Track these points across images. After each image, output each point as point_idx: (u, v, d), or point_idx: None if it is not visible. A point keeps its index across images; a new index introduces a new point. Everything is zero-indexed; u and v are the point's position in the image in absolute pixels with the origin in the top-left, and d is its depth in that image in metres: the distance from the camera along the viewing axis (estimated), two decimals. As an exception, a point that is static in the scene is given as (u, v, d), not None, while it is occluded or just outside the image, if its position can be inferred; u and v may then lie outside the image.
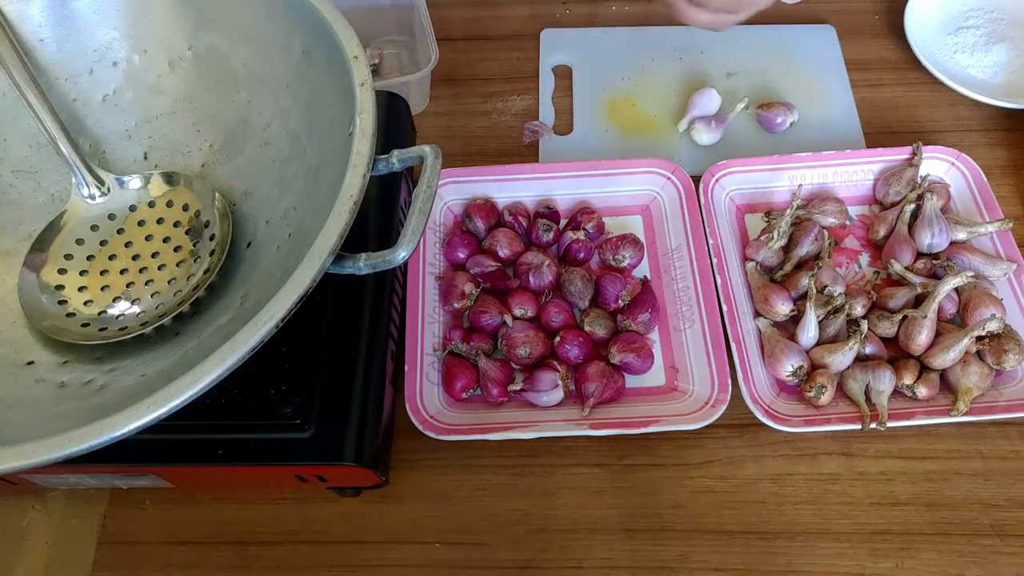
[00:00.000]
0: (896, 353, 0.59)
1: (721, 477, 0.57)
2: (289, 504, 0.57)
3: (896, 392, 0.57)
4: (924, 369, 0.58)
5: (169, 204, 0.52)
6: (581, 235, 0.64)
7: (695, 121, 0.73)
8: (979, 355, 0.57)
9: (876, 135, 0.73)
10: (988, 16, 0.80)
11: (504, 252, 0.63)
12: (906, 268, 0.62)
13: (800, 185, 0.66)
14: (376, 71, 0.77)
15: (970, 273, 0.58)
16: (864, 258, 0.65)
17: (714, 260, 0.61)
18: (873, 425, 0.55)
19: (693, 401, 0.57)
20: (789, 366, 0.57)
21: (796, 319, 0.60)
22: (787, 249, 0.64)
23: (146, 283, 0.50)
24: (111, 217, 0.52)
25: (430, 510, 0.56)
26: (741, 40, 0.80)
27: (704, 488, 0.56)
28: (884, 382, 0.56)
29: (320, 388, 0.51)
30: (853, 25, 0.81)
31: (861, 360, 0.58)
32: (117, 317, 0.48)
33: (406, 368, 0.57)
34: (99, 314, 0.48)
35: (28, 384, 0.44)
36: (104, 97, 0.54)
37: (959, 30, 0.79)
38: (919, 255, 0.63)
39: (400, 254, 0.40)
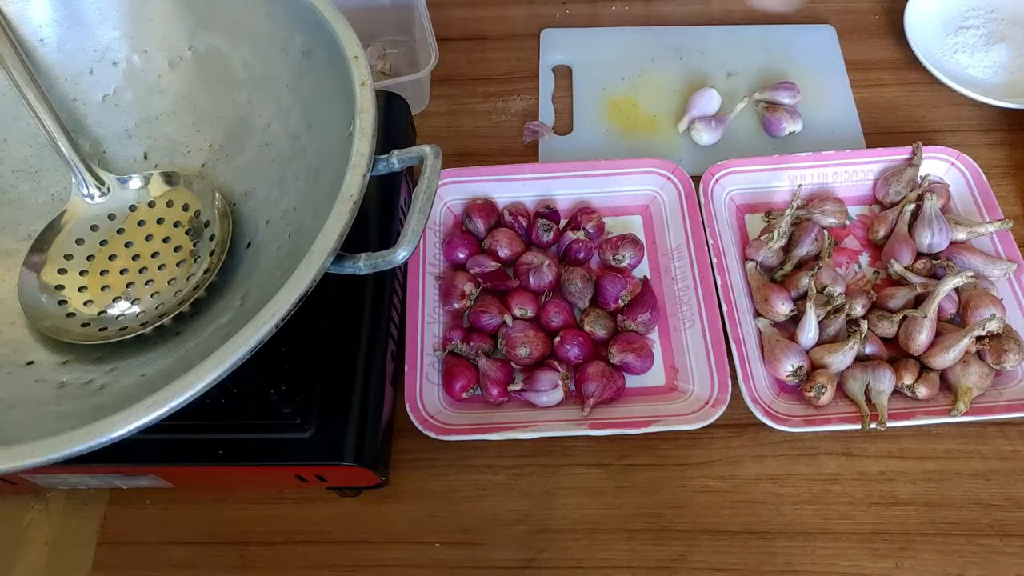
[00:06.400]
0: (896, 353, 0.59)
1: (721, 477, 0.57)
2: (289, 504, 0.57)
3: (896, 392, 0.57)
4: (924, 369, 0.58)
5: (169, 204, 0.52)
6: (581, 235, 0.64)
7: (695, 121, 0.73)
8: (979, 355, 0.57)
9: (876, 135, 0.73)
10: (988, 16, 0.80)
11: (504, 252, 0.63)
12: (906, 268, 0.62)
13: (800, 185, 0.66)
14: (386, 73, 0.77)
15: (970, 273, 0.58)
16: (864, 258, 0.65)
17: (714, 260, 0.61)
18: (873, 425, 0.55)
19: (693, 401, 0.57)
20: (789, 366, 0.57)
21: (796, 319, 0.60)
22: (787, 249, 0.64)
23: (146, 283, 0.50)
24: (111, 217, 0.52)
25: (430, 510, 0.56)
26: (741, 40, 0.80)
27: (704, 488, 0.56)
28: (884, 382, 0.56)
29: (320, 388, 0.50)
30: (853, 25, 0.81)
31: (861, 360, 0.58)
32: (117, 317, 0.48)
33: (406, 368, 0.57)
34: (99, 314, 0.48)
35: (28, 384, 0.44)
36: (104, 97, 0.54)
37: (959, 30, 0.79)
38: (919, 255, 0.63)
39: (400, 254, 0.40)
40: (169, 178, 0.53)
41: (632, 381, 0.59)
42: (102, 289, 0.49)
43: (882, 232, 0.65)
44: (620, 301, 0.61)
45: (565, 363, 0.59)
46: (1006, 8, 0.80)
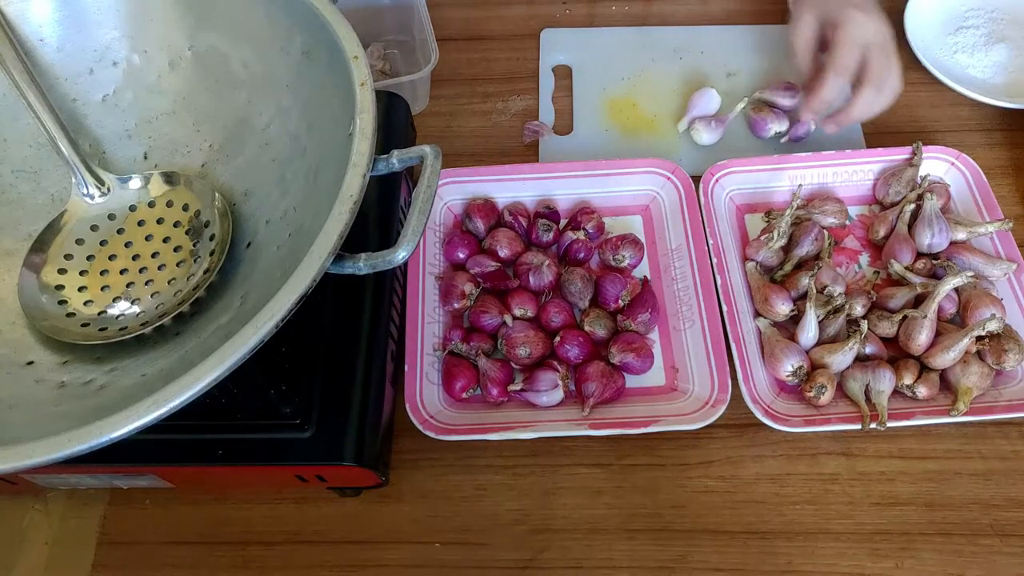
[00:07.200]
0: (896, 353, 0.59)
1: (721, 477, 0.57)
2: (289, 504, 0.57)
3: (896, 392, 0.57)
4: (924, 369, 0.58)
5: (169, 204, 0.52)
6: (581, 235, 0.64)
7: (695, 121, 0.73)
8: (979, 355, 0.57)
9: (876, 135, 0.73)
10: (988, 16, 0.80)
11: (504, 252, 0.63)
12: (906, 268, 0.62)
13: (800, 185, 0.66)
14: (386, 73, 0.77)
15: (970, 273, 0.58)
16: (864, 258, 0.65)
17: (714, 260, 0.61)
18: (873, 425, 0.55)
19: (693, 401, 0.57)
20: (789, 366, 0.57)
21: (796, 319, 0.60)
22: (787, 249, 0.64)
23: (146, 283, 0.50)
24: (111, 217, 0.52)
25: (430, 510, 0.56)
26: (741, 40, 0.80)
27: (704, 488, 0.56)
28: (884, 382, 0.56)
29: (320, 388, 0.51)
30: (853, 25, 0.81)
31: (861, 360, 0.58)
32: (117, 317, 0.48)
33: (406, 368, 0.57)
34: (99, 314, 0.48)
35: (28, 384, 0.44)
36: (104, 97, 0.54)
37: (959, 30, 0.79)
38: (919, 255, 0.63)
39: (400, 254, 0.40)
40: (169, 178, 0.53)
41: (632, 381, 0.59)
42: (102, 289, 0.49)
43: (882, 232, 0.64)
44: (620, 301, 0.61)
45: (565, 363, 0.59)
46: (1006, 8, 0.80)
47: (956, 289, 0.60)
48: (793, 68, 0.69)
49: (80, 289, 0.49)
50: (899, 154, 0.67)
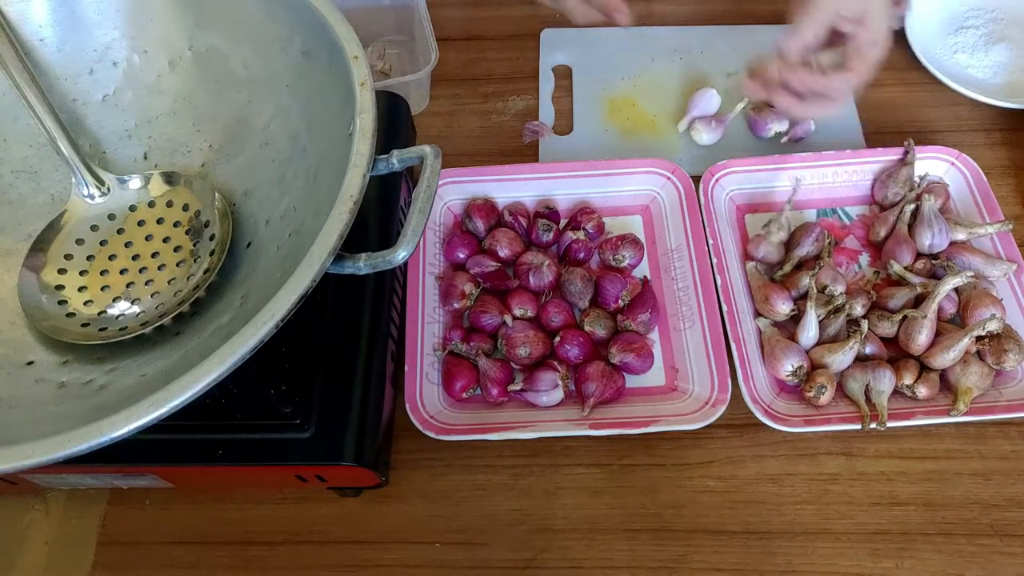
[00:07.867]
0: (896, 353, 0.59)
1: (721, 477, 0.57)
2: (289, 504, 0.57)
3: (896, 392, 0.57)
4: (924, 369, 0.58)
5: (169, 204, 0.52)
6: (581, 235, 0.64)
7: (695, 121, 0.73)
8: (979, 355, 0.57)
9: (876, 135, 0.73)
10: (988, 16, 0.80)
11: (504, 252, 0.63)
12: (906, 268, 0.62)
13: (798, 179, 0.66)
14: (386, 73, 0.77)
15: (970, 273, 0.58)
16: (864, 258, 0.65)
17: (714, 260, 0.61)
18: (873, 425, 0.55)
19: (693, 401, 0.57)
20: (789, 366, 0.57)
21: (796, 319, 0.60)
22: (787, 249, 0.64)
23: (146, 283, 0.50)
24: (111, 217, 0.52)
25: (430, 510, 0.56)
26: (741, 40, 0.80)
27: (704, 488, 0.56)
28: (884, 382, 0.56)
29: (320, 388, 0.50)
30: (853, 25, 0.81)
31: (861, 360, 0.58)
32: (117, 317, 0.48)
33: (406, 368, 0.57)
34: (99, 314, 0.48)
35: (28, 384, 0.44)
36: (104, 97, 0.54)
37: (959, 30, 0.79)
38: (919, 255, 0.63)
39: (400, 254, 0.40)
40: (169, 178, 0.53)
41: (632, 381, 0.59)
42: (102, 289, 0.49)
43: (883, 233, 0.64)
44: (620, 301, 0.61)
45: (565, 363, 0.59)
46: (1006, 8, 0.80)
47: (956, 289, 0.60)
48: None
49: (80, 289, 0.49)
50: (898, 154, 0.67)
